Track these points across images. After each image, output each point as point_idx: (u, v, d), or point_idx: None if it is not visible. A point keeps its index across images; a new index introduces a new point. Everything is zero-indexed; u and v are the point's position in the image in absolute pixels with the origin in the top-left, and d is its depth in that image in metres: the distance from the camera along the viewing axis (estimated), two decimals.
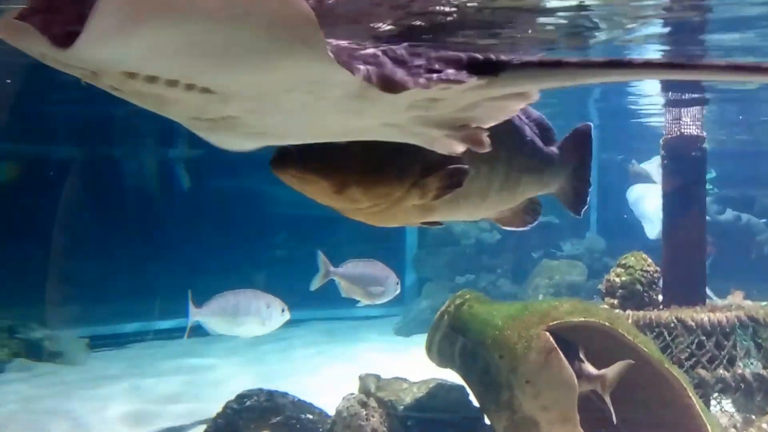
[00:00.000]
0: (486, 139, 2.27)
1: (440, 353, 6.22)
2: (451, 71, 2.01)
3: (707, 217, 19.74)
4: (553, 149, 3.34)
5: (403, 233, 14.45)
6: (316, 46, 1.60)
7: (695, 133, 6.64)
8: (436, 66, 2.04)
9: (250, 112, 1.98)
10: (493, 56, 2.10)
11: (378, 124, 2.15)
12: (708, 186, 19.78)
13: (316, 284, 7.62)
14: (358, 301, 7.75)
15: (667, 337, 6.12)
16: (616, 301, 6.65)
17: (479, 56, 2.10)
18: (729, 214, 18.35)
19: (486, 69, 2.07)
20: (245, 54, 1.61)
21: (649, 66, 1.97)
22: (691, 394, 5.29)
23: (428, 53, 2.09)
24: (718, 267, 14.97)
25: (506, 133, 2.88)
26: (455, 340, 6.08)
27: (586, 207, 3.59)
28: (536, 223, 3.45)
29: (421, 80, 1.97)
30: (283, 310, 7.26)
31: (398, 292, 7.78)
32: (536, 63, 2.05)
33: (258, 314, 7.18)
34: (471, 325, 6.01)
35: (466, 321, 6.09)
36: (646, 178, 14.18)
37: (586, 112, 15.26)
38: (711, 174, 18.58)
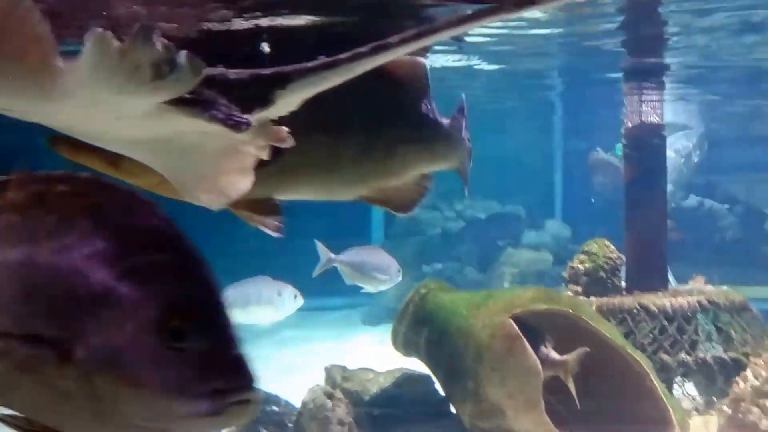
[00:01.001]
0: (287, 136, 2.19)
1: (406, 343, 6.21)
2: (232, 117, 1.98)
3: (672, 204, 20.04)
4: (450, 121, 3.14)
5: (369, 223, 14.44)
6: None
7: (655, 121, 6.70)
8: (223, 101, 2.02)
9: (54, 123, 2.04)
10: (284, 69, 2.08)
11: (169, 134, 2.10)
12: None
13: (317, 271, 7.72)
14: (360, 288, 7.79)
15: (630, 323, 6.19)
16: (579, 288, 6.70)
17: (267, 72, 2.09)
18: (692, 200, 18.60)
19: (273, 84, 2.07)
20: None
21: (405, 41, 1.97)
22: (653, 379, 5.35)
23: (223, 75, 2.08)
24: (682, 252, 15.20)
25: (363, 100, 2.68)
26: (420, 330, 6.08)
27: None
28: (418, 204, 3.15)
29: (205, 116, 1.97)
30: (295, 296, 7.24)
31: (400, 279, 7.80)
32: (317, 67, 2.05)
33: (271, 302, 7.16)
34: (436, 314, 6.01)
35: (430, 310, 6.09)
36: (608, 167, 14.32)
37: (554, 104, 15.40)
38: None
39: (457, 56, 8.76)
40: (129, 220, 1.59)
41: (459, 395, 5.51)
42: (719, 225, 18.15)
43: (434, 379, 6.03)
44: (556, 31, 7.06)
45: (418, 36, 1.97)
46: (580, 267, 6.73)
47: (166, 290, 1.51)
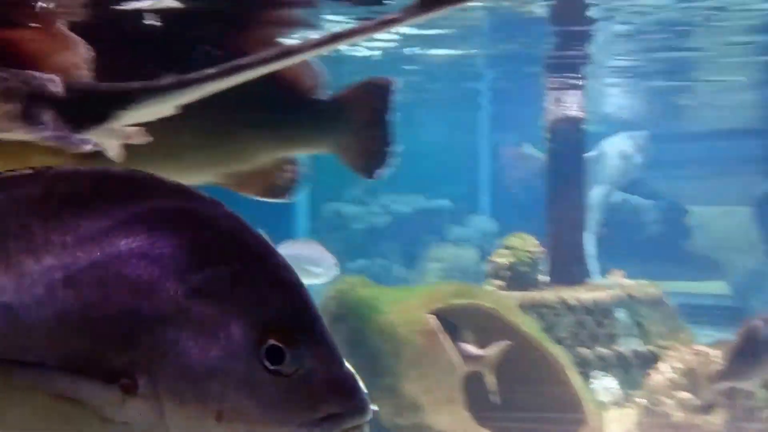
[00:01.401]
0: (137, 134, 2.11)
1: None
2: (68, 138, 1.92)
3: (606, 201, 20.23)
4: (325, 100, 2.93)
5: (292, 218, 14.22)
6: None
7: (576, 115, 6.72)
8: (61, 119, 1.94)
9: None
10: (130, 88, 2.01)
11: None
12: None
13: None
14: None
15: (551, 317, 6.19)
16: (501, 282, 6.67)
17: (113, 90, 2.04)
18: (617, 195, 18.97)
19: (118, 102, 2.02)
20: None
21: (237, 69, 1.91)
22: (570, 372, 5.36)
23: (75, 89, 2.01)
24: (608, 247, 15.47)
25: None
26: (341, 327, 5.94)
27: (382, 169, 3.13)
28: (292, 190, 2.94)
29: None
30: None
31: (337, 273, 7.65)
32: (164, 87, 2.01)
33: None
34: (357, 311, 5.89)
35: (351, 307, 5.96)
36: (533, 161, 14.45)
37: (479, 98, 15.44)
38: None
39: (385, 43, 8.61)
40: (202, 223, 1.29)
41: (378, 392, 5.40)
42: (644, 220, 18.58)
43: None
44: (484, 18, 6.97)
45: (281, 56, 1.91)
46: (502, 261, 6.71)
47: (257, 304, 1.25)
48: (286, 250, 7.54)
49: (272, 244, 1.31)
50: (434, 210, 14.87)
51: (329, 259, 7.37)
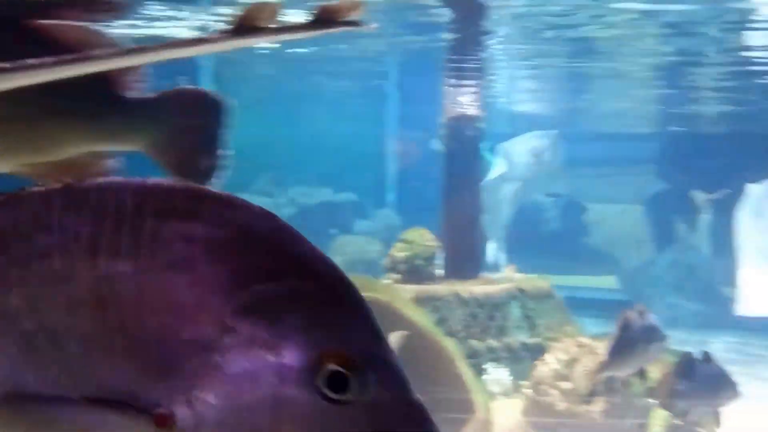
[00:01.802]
0: None
1: None
2: None
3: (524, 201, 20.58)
4: (140, 98, 2.81)
5: None
6: None
7: (472, 113, 6.88)
8: None
9: None
10: None
11: None
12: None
13: None
14: None
15: (444, 310, 6.33)
16: (398, 276, 6.78)
17: None
18: (521, 192, 19.50)
19: None
20: None
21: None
22: (460, 364, 5.50)
23: None
24: (509, 242, 15.86)
25: None
26: None
27: (204, 180, 2.88)
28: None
29: None
30: None
31: None
32: None
33: None
34: None
35: None
36: (437, 157, 14.70)
37: (386, 93, 15.56)
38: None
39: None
40: (252, 236, 1.12)
41: None
42: (543, 217, 19.19)
43: None
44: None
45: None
46: (399, 255, 6.81)
47: (314, 324, 1.08)
48: None
49: (329, 258, 1.16)
50: (340, 203, 14.91)
51: None
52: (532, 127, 15.85)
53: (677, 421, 5.58)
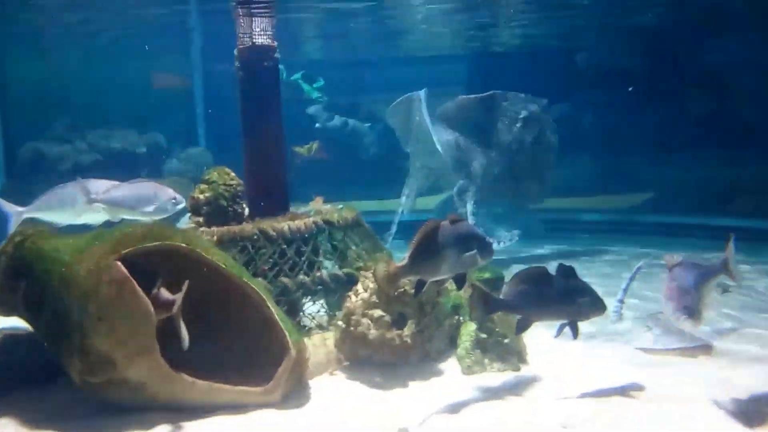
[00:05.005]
0: None
1: (1, 302, 5.47)
2: None
3: (317, 124, 20.66)
4: None
5: None
6: None
7: (266, 44, 6.56)
8: None
9: None
10: None
11: None
12: (318, 94, 20.62)
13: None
14: None
15: (251, 250, 6.12)
16: (201, 219, 6.46)
17: None
18: (337, 120, 19.50)
19: None
20: None
21: None
22: (270, 305, 5.35)
23: None
24: (330, 172, 15.81)
25: None
26: (17, 285, 5.38)
27: None
28: None
29: None
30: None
31: (180, 207, 6.86)
32: None
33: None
34: (36, 265, 5.35)
35: (29, 261, 5.41)
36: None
37: (189, 28, 14.74)
38: (320, 82, 19.49)
39: None
40: None
41: (66, 353, 4.99)
42: (364, 142, 19.32)
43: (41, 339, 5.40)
44: None
45: None
46: (201, 197, 6.49)
47: None
48: (113, 192, 6.77)
49: None
50: (148, 144, 14.10)
51: (166, 194, 6.77)
52: (337, 55, 15.72)
53: (483, 335, 5.80)
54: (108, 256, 4.95)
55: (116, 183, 6.88)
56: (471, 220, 10.77)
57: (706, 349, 5.68)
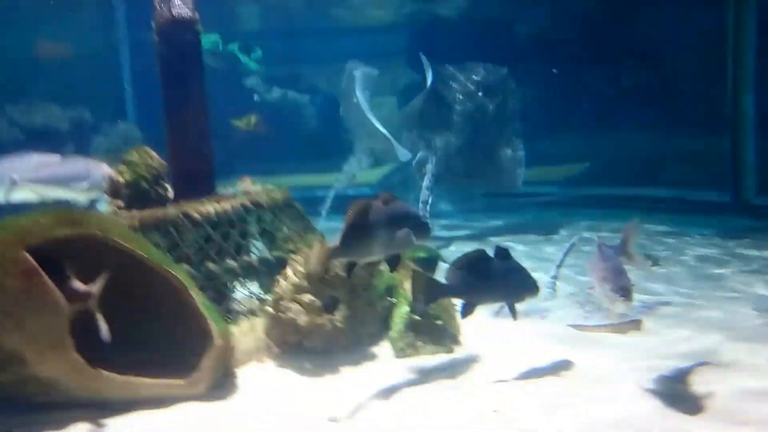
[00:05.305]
0: None
1: None
2: None
3: (255, 96, 20.22)
4: None
5: None
6: None
7: (187, 16, 6.22)
8: None
9: None
10: None
11: None
12: (256, 65, 20.13)
13: None
14: None
15: (175, 235, 5.85)
16: (121, 202, 6.15)
17: None
18: (276, 92, 19.11)
19: None
20: None
21: None
22: (193, 292, 5.12)
23: None
24: (271, 146, 15.46)
25: None
26: None
27: None
28: None
29: None
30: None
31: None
32: None
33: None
34: None
35: None
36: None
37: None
38: (258, 53, 19.02)
39: None
40: None
41: None
42: (301, 115, 18.98)
43: None
44: None
45: None
46: (121, 179, 6.17)
47: None
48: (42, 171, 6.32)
49: None
50: (74, 120, 13.52)
51: (100, 170, 6.40)
52: (275, 24, 15.31)
53: (417, 317, 5.68)
54: (15, 247, 4.63)
55: (48, 158, 6.49)
56: (426, 194, 10.60)
57: (635, 323, 5.70)
